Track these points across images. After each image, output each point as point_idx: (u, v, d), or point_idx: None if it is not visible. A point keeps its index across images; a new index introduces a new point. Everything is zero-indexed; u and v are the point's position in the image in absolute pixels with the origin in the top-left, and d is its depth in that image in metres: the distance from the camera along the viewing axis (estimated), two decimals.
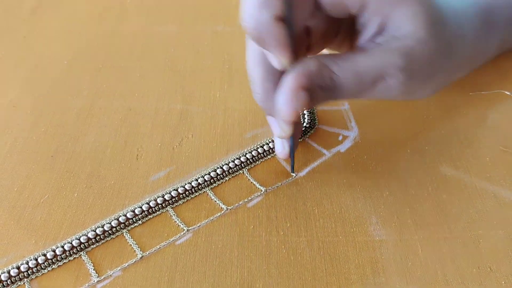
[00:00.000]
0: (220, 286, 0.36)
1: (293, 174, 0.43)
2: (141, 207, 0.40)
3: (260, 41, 0.33)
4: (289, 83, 0.33)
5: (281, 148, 0.41)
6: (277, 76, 0.35)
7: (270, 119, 0.40)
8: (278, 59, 0.33)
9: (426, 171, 0.43)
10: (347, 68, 0.34)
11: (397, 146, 0.45)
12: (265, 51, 0.34)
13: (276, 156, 0.44)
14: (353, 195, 0.42)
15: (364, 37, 0.36)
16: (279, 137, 0.40)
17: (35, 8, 0.61)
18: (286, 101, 0.33)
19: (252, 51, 0.37)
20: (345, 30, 0.39)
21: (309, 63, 0.33)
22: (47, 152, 0.44)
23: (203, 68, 0.53)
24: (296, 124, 0.40)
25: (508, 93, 0.50)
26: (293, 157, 0.42)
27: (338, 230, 0.39)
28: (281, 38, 0.32)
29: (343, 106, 0.49)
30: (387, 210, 0.41)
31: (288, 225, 0.40)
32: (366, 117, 0.48)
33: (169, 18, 0.60)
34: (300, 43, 0.38)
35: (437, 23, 0.35)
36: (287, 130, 0.37)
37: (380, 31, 0.35)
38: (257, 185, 0.42)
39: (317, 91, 0.34)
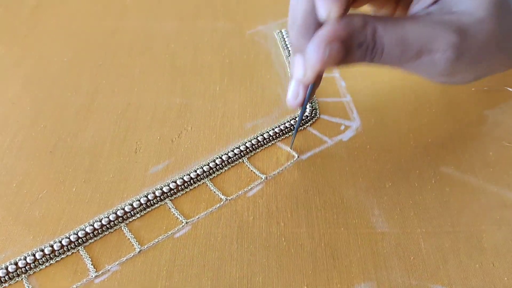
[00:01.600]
0: (220, 280, 0.36)
1: (294, 153, 0.43)
2: (139, 201, 0.40)
3: None
4: (327, 30, 0.31)
5: (295, 96, 0.37)
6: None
7: (296, 58, 0.36)
8: (327, 7, 0.31)
9: (429, 163, 0.43)
10: (393, 31, 0.31)
11: (400, 138, 0.45)
12: None
13: (288, 102, 0.39)
14: (355, 185, 0.41)
15: (419, 5, 0.34)
16: (297, 79, 0.36)
17: (36, 6, 0.61)
18: (317, 46, 0.31)
19: None
20: None
21: (354, 18, 0.31)
22: (46, 148, 0.44)
23: (203, 63, 0.53)
24: (318, 78, 0.37)
25: (511, 89, 0.49)
26: (302, 116, 0.40)
27: (340, 221, 0.39)
28: None
29: (345, 97, 0.49)
30: (390, 202, 0.40)
31: (289, 215, 0.39)
32: (369, 109, 0.48)
33: (169, 14, 0.60)
34: None
35: (501, 6, 0.33)
36: (309, 75, 0.34)
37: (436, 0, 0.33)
38: (257, 173, 0.42)
39: (354, 48, 0.31)
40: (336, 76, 0.51)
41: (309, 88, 0.37)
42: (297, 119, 0.46)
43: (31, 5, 0.61)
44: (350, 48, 0.31)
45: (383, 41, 0.31)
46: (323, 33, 0.31)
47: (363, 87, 0.50)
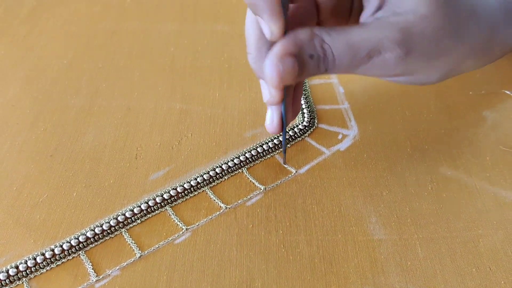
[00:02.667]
0: (219, 285, 0.36)
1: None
2: (140, 207, 0.40)
3: (253, 7, 0.33)
4: (277, 48, 0.33)
5: (270, 121, 0.40)
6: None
7: (261, 83, 0.39)
8: (268, 27, 0.33)
9: (426, 170, 0.43)
10: (340, 39, 0.33)
11: (397, 145, 0.45)
12: (258, 18, 0.34)
13: (266, 128, 0.41)
14: (353, 194, 0.42)
15: (366, 12, 0.35)
16: (267, 103, 0.39)
17: (35, 8, 0.61)
18: (271, 65, 0.32)
19: (251, 13, 0.37)
20: (357, 9, 0.38)
21: (300, 32, 0.33)
22: (46, 152, 0.44)
23: (202, 67, 0.53)
24: (289, 101, 0.39)
25: (508, 92, 0.49)
26: (285, 137, 0.41)
27: (338, 229, 0.39)
28: (274, 6, 0.32)
29: (343, 105, 0.49)
30: (387, 209, 0.41)
31: (288, 224, 0.40)
32: (366, 116, 0.48)
33: (169, 17, 0.60)
34: (308, 17, 0.37)
35: (445, 1, 0.34)
36: (275, 95, 0.36)
37: (381, 5, 0.34)
38: (257, 184, 0.42)
39: (306, 60, 0.33)
40: (335, 82, 0.51)
41: (282, 110, 0.38)
42: (295, 129, 0.46)
43: (30, 7, 0.61)
44: (303, 60, 0.33)
45: (332, 50, 0.33)
46: (274, 51, 0.33)
47: (361, 93, 0.50)
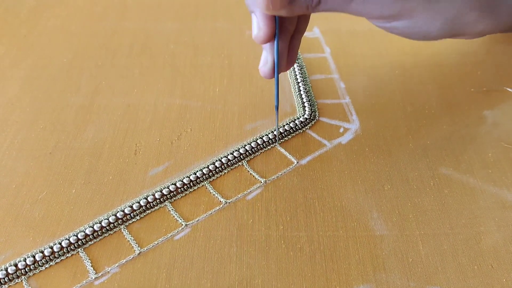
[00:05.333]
0: (219, 282, 0.36)
1: (293, 159, 0.43)
2: (139, 202, 0.40)
3: None
4: None
5: (264, 62, 0.39)
6: None
7: (252, 18, 0.37)
8: None
9: (428, 165, 0.43)
10: None
11: (398, 140, 0.45)
12: None
13: (259, 70, 0.40)
14: (354, 188, 0.42)
15: None
16: (255, 38, 0.37)
17: (36, 7, 0.61)
18: None
19: None
20: None
21: None
22: (46, 149, 0.44)
23: (202, 64, 0.53)
24: (283, 48, 0.38)
25: (510, 90, 0.49)
26: (277, 82, 0.40)
27: (339, 224, 0.39)
28: None
29: (344, 99, 0.49)
30: (388, 204, 0.40)
31: (288, 219, 0.39)
32: (368, 111, 0.48)
33: (169, 15, 0.60)
34: None
35: None
36: (263, 26, 0.36)
37: None
38: (257, 177, 0.42)
39: None
40: (336, 77, 0.51)
41: (275, 52, 0.37)
42: (296, 121, 0.46)
43: (30, 6, 0.61)
44: None
45: None
46: None
47: (362, 88, 0.50)
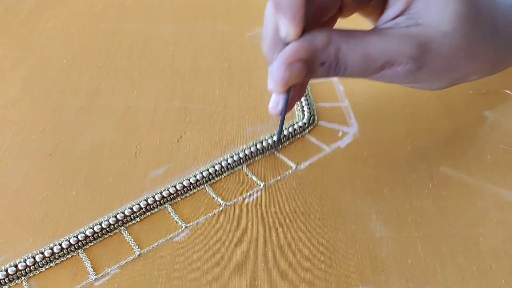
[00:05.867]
0: (219, 283, 0.36)
1: (292, 164, 0.43)
2: (139, 204, 0.40)
3: (275, 5, 0.31)
4: (289, 51, 0.32)
5: (275, 105, 0.38)
6: None
7: (269, 69, 0.36)
8: (286, 28, 0.31)
9: (426, 168, 0.43)
10: (357, 48, 0.32)
11: (397, 143, 0.45)
12: (277, 15, 0.32)
13: (269, 110, 0.40)
14: (353, 191, 0.42)
15: (388, 14, 0.34)
16: (270, 90, 0.36)
17: (35, 8, 0.61)
18: (278, 67, 0.32)
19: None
20: None
21: (317, 37, 0.32)
22: (46, 151, 0.44)
23: (202, 66, 0.53)
24: (295, 87, 0.38)
25: (508, 91, 0.49)
26: (282, 123, 0.40)
27: (338, 226, 0.39)
28: (297, 10, 0.30)
29: (343, 102, 0.49)
30: (387, 207, 0.41)
31: (287, 221, 0.40)
32: (367, 114, 0.48)
33: (169, 16, 0.60)
34: (332, 3, 0.36)
35: (470, 19, 0.33)
36: (278, 90, 0.35)
37: (405, 9, 0.33)
38: (256, 180, 0.42)
39: (316, 66, 0.32)
40: (334, 80, 0.51)
41: (285, 98, 0.37)
42: (295, 126, 0.46)
43: (30, 6, 0.61)
44: (313, 66, 0.32)
45: (346, 59, 0.32)
46: (284, 54, 0.32)
47: (361, 91, 0.50)
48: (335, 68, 0.32)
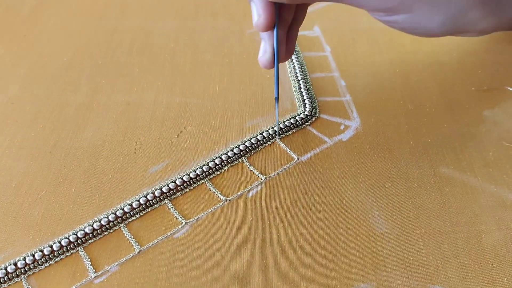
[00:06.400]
0: (219, 280, 0.36)
1: (293, 155, 0.43)
2: (138, 201, 0.40)
3: None
4: None
5: (263, 52, 0.39)
6: None
7: (251, 6, 0.38)
8: None
9: (428, 164, 0.43)
10: None
11: (399, 138, 0.45)
12: None
13: (259, 61, 0.41)
14: (355, 186, 0.41)
15: None
16: (255, 25, 0.38)
17: (36, 6, 0.61)
18: None
19: None
20: None
21: None
22: (45, 148, 0.44)
23: (202, 62, 0.53)
24: (282, 36, 0.39)
25: (510, 89, 0.49)
26: (277, 71, 0.40)
27: (339, 222, 0.39)
28: None
29: (345, 97, 0.49)
30: (389, 203, 0.40)
31: (289, 216, 0.39)
32: (368, 109, 0.48)
33: (169, 13, 0.60)
34: None
35: None
36: (262, 13, 0.36)
37: None
38: (257, 174, 0.42)
39: None
40: (336, 75, 0.51)
41: (275, 41, 0.38)
42: (297, 117, 0.46)
43: (30, 5, 0.61)
44: None
45: None
46: None
47: (363, 86, 0.50)
48: None
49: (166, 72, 0.52)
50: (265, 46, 0.39)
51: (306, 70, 0.52)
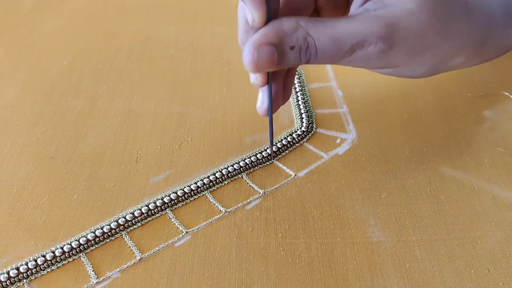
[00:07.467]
0: (219, 287, 0.36)
1: (291, 172, 0.44)
2: (140, 210, 0.40)
3: None
4: (255, 36, 0.33)
5: (260, 103, 0.40)
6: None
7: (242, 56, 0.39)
8: (250, 16, 0.33)
9: (424, 172, 0.44)
10: (325, 32, 0.33)
11: (395, 148, 0.46)
12: (243, 3, 0.33)
13: (257, 110, 0.41)
14: (352, 197, 0.42)
15: (357, 2, 0.35)
16: (252, 84, 0.38)
17: (35, 9, 0.61)
18: (247, 52, 0.33)
19: None
20: None
21: (284, 22, 0.33)
22: (47, 154, 0.45)
23: (202, 70, 0.53)
24: (276, 81, 0.39)
25: (507, 94, 0.50)
26: (271, 122, 0.41)
27: (337, 231, 0.40)
28: None
29: (342, 108, 0.49)
30: (385, 212, 0.41)
31: (287, 227, 0.40)
32: (365, 120, 0.48)
33: (168, 18, 0.60)
34: (305, 5, 0.38)
35: None
36: (256, 78, 0.37)
37: None
38: (256, 188, 0.43)
39: (286, 50, 0.33)
40: (334, 85, 0.52)
41: (268, 92, 0.38)
42: (293, 135, 0.46)
43: (30, 8, 0.61)
44: (283, 50, 0.33)
45: (315, 43, 0.33)
46: (252, 38, 0.33)
47: (360, 96, 0.50)
48: (306, 52, 0.33)
49: (166, 79, 0.52)
50: (263, 97, 0.39)
51: (304, 80, 0.52)
